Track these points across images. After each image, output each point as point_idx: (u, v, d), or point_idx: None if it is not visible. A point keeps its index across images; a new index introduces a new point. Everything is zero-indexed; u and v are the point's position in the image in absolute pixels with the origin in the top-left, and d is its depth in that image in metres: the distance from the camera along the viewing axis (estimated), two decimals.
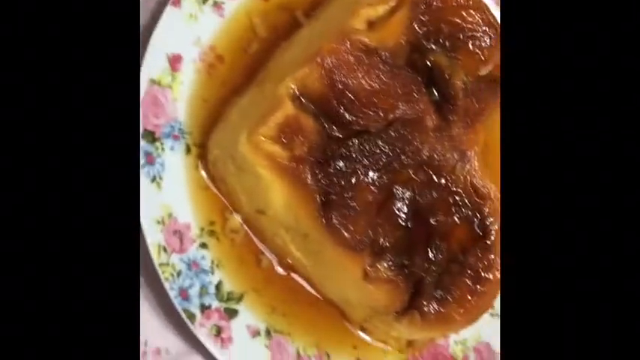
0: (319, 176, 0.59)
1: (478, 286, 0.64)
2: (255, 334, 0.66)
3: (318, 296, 0.68)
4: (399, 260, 0.62)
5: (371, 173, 0.61)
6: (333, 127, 0.60)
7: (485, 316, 0.71)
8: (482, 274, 0.64)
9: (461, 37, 0.64)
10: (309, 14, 0.69)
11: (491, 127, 0.75)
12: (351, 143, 0.60)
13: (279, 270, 0.68)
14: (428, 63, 0.63)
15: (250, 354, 0.65)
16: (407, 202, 0.63)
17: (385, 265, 0.62)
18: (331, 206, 0.59)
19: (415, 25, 0.63)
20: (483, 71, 0.66)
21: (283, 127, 0.58)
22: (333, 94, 0.60)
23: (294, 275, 0.68)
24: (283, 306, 0.67)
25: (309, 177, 0.59)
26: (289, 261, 0.67)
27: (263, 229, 0.66)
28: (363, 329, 0.69)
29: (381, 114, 0.61)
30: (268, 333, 0.66)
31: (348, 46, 0.60)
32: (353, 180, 0.60)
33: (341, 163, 0.60)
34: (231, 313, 0.65)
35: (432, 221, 0.63)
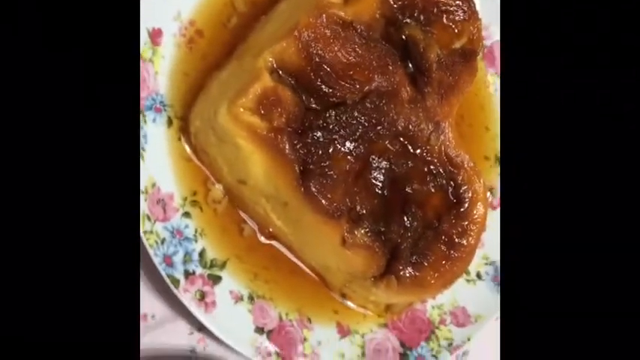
0: (297, 146, 0.61)
1: (452, 252, 0.66)
2: (238, 299, 0.68)
3: (299, 263, 0.71)
4: (375, 227, 0.64)
5: (348, 143, 0.63)
6: (311, 99, 0.62)
7: (461, 282, 0.73)
8: (456, 240, 0.67)
9: (435, 11, 0.65)
10: None
11: (465, 99, 0.77)
12: (328, 114, 0.62)
13: (261, 238, 0.70)
14: (403, 37, 0.65)
15: (234, 318, 0.67)
16: (383, 171, 0.65)
17: (362, 231, 0.64)
18: (309, 175, 0.61)
19: (390, 0, 0.64)
20: (457, 44, 0.68)
21: (262, 98, 0.60)
22: (310, 67, 0.61)
23: (275, 243, 0.70)
24: (265, 273, 0.69)
25: (288, 147, 0.60)
26: (271, 229, 0.69)
27: (244, 198, 0.67)
28: (343, 295, 0.71)
29: (357, 86, 0.63)
30: (251, 298, 0.68)
31: (325, 20, 0.61)
32: (330, 150, 0.62)
33: (318, 134, 0.61)
34: (215, 279, 0.67)
35: (407, 189, 0.65)
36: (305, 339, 0.69)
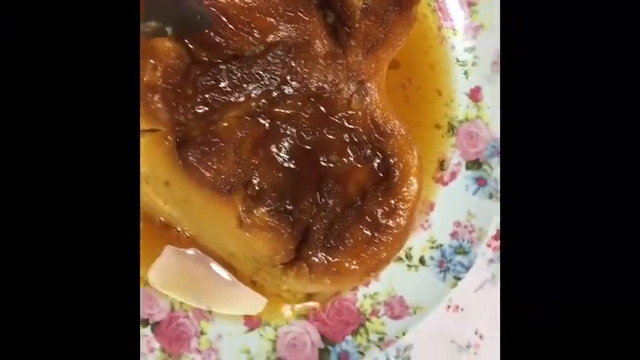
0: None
1: (376, 234, 0.57)
2: None
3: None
4: (280, 205, 0.55)
5: (243, 105, 0.53)
6: (200, 50, 0.52)
7: (401, 268, 0.65)
8: (382, 221, 0.57)
9: None
10: None
11: (413, 58, 0.67)
12: (218, 69, 0.52)
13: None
14: None
15: None
16: (290, 139, 0.55)
17: (263, 210, 0.54)
18: (189, 144, 0.51)
19: None
20: None
21: None
22: None
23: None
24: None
25: (162, 109, 0.50)
26: (161, 219, 0.59)
27: None
28: (253, 283, 0.62)
29: (258, 35, 0.53)
30: None
31: None
32: (218, 113, 0.52)
33: (206, 95, 0.52)
34: None
35: (323, 162, 0.56)
36: (202, 332, 0.59)
